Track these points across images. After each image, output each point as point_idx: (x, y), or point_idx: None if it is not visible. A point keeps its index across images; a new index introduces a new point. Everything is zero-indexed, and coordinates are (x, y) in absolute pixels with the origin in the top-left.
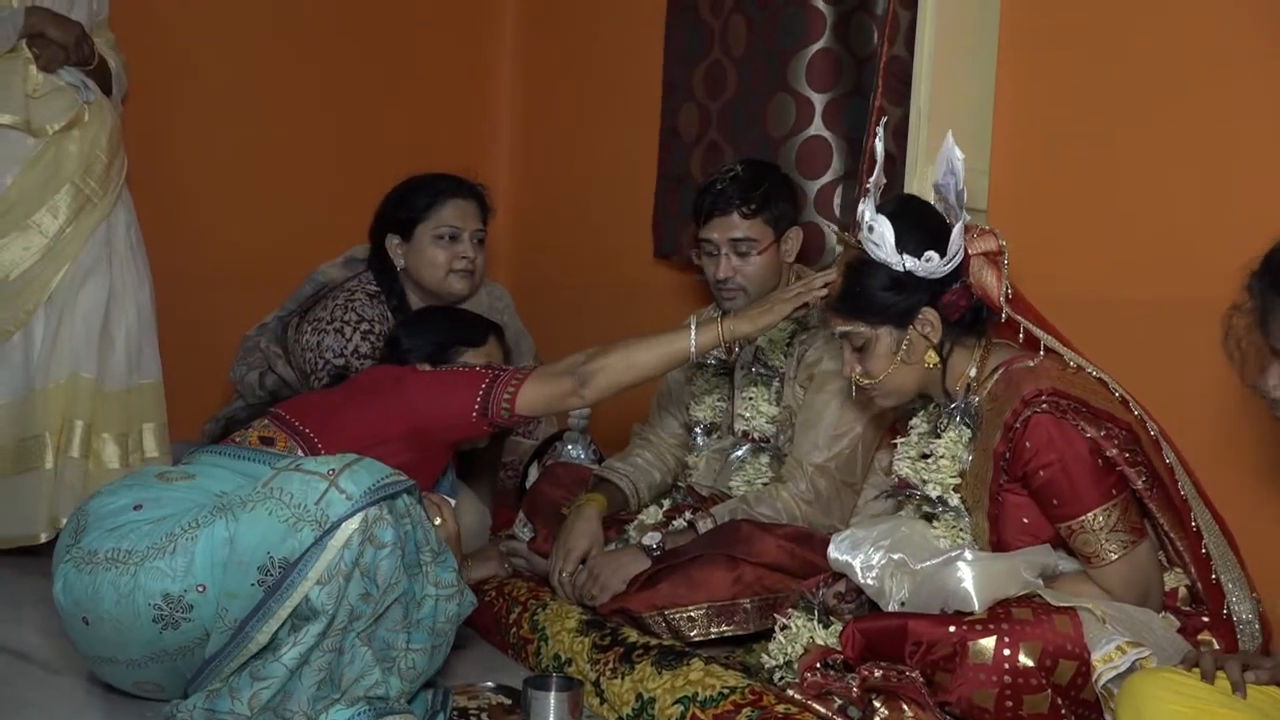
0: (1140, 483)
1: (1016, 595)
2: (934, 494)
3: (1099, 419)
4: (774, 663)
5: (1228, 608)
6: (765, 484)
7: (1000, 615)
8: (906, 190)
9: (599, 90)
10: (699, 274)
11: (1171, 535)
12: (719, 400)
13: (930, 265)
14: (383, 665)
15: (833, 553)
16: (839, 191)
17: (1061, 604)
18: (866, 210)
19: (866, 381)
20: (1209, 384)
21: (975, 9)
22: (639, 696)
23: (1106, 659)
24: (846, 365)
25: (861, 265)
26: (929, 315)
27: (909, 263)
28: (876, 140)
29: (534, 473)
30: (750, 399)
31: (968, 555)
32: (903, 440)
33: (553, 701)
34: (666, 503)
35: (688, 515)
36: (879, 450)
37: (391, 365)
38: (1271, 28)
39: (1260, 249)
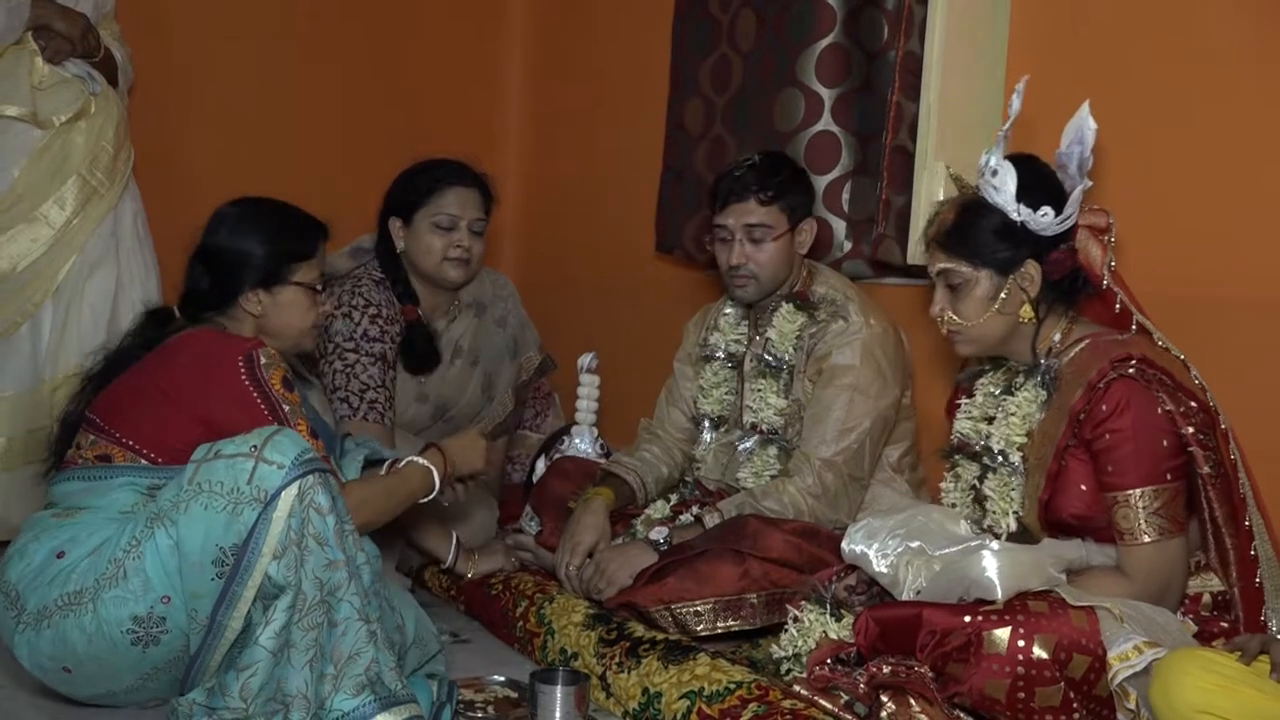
0: (1207, 468)
1: (1037, 589)
2: (997, 447)
3: (1180, 395)
4: (783, 653)
5: (1265, 614)
6: (773, 476)
7: (1017, 607)
8: (916, 184)
9: (607, 85)
10: (708, 268)
11: (1224, 530)
12: (727, 393)
13: (1044, 220)
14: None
15: (847, 545)
16: (848, 186)
17: (1080, 603)
18: (993, 156)
19: (955, 323)
20: (1229, 382)
21: (986, 2)
22: (645, 691)
23: (1123, 657)
24: (936, 304)
25: (977, 206)
26: (1031, 269)
27: (1024, 213)
28: (1015, 96)
29: (541, 466)
30: (759, 391)
31: (993, 545)
32: (968, 400)
33: (559, 695)
34: (674, 497)
35: (695, 510)
36: (887, 446)
37: (211, 337)
38: None
39: (1268, 246)
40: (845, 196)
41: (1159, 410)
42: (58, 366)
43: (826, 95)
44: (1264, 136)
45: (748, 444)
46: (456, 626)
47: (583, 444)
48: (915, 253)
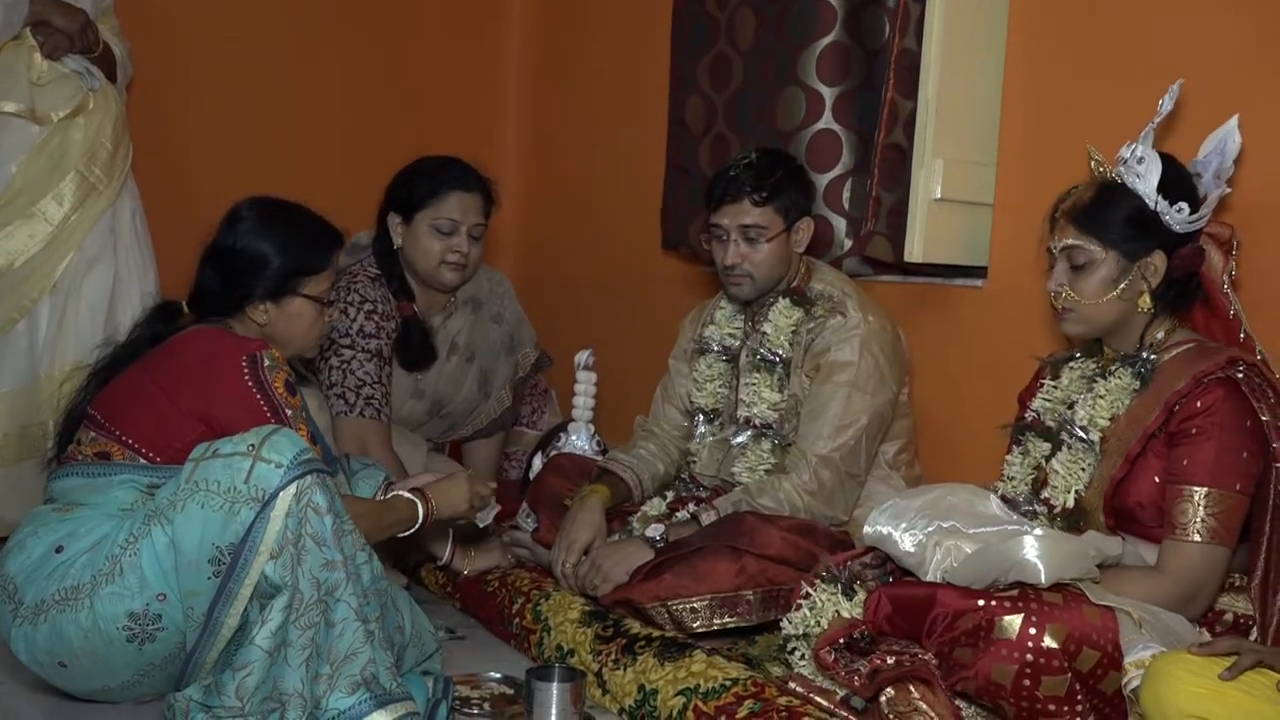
0: None
1: (1073, 577)
2: (1081, 421)
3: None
4: (792, 631)
5: None
6: (768, 471)
7: (1030, 596)
8: (914, 181)
9: (607, 82)
10: (707, 265)
11: None
12: (721, 387)
13: (1179, 215)
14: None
15: (870, 526)
16: (849, 185)
17: (1101, 603)
18: (1141, 145)
19: (1072, 300)
20: None
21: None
22: (641, 688)
23: (1139, 665)
24: (1055, 280)
25: (1117, 188)
26: (1158, 260)
27: (1161, 205)
28: (1168, 97)
29: (538, 463)
30: (753, 385)
31: (1037, 531)
32: (1052, 382)
33: (555, 692)
34: (670, 494)
35: (691, 507)
36: (883, 443)
37: (216, 336)
38: None
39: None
40: (846, 195)
41: (1251, 421)
42: (54, 363)
43: (828, 94)
44: (1265, 136)
45: (741, 438)
46: (452, 623)
47: (579, 441)
48: (915, 250)
